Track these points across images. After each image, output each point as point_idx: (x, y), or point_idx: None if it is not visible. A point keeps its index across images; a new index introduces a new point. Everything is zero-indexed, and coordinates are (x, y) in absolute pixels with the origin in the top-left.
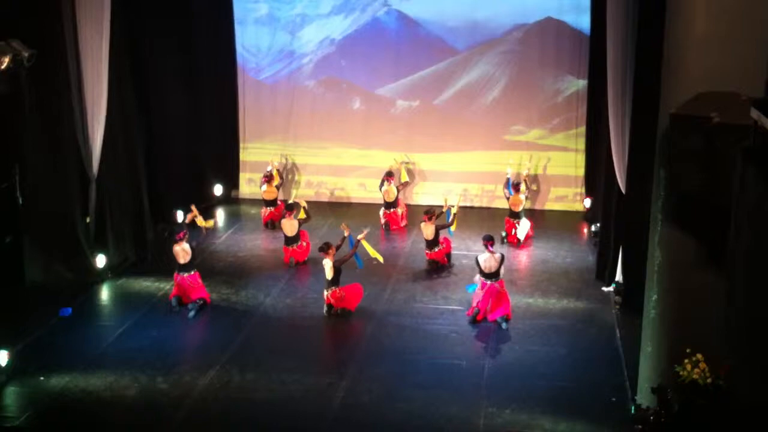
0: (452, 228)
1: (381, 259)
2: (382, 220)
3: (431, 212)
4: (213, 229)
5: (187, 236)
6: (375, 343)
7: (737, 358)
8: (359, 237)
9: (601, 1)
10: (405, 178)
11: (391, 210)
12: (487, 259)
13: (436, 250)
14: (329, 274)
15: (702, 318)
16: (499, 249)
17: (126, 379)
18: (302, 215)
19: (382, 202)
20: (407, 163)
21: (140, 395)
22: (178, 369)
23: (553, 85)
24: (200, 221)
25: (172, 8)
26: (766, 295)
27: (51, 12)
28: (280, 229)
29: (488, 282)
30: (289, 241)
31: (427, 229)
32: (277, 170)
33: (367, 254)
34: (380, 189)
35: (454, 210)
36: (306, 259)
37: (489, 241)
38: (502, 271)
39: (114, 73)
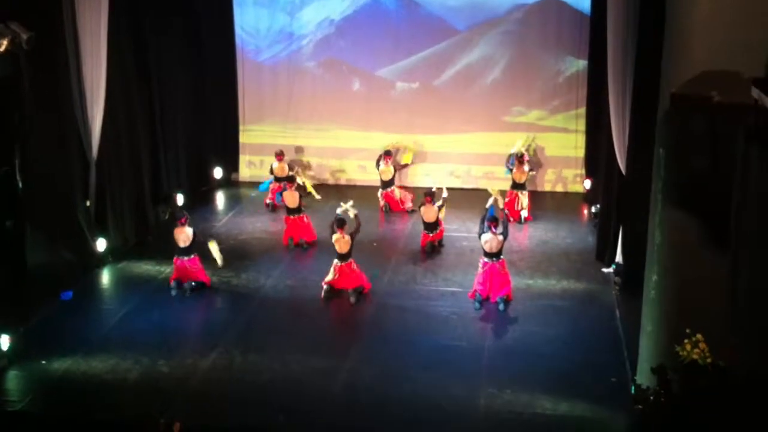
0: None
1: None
2: (381, 202)
3: (433, 194)
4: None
5: (188, 221)
6: (376, 324)
7: (738, 338)
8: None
9: None
10: (408, 160)
11: (389, 189)
12: (489, 240)
13: (436, 232)
14: (344, 248)
15: (702, 298)
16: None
17: (128, 362)
18: (305, 184)
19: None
20: (414, 148)
21: (142, 378)
22: (180, 352)
23: (553, 65)
24: (215, 253)
25: None
26: None
27: None
28: (282, 204)
29: (489, 261)
30: (291, 212)
31: (429, 212)
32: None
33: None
34: (377, 168)
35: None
36: (309, 242)
37: (493, 222)
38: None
39: (113, 56)
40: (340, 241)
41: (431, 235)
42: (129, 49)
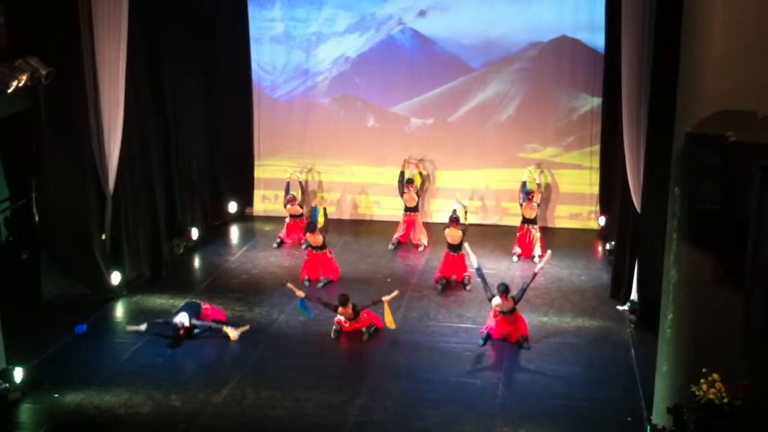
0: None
1: (393, 326)
2: (397, 234)
3: (457, 218)
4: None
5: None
6: (389, 360)
7: (755, 377)
8: (385, 298)
9: (616, 19)
10: (418, 181)
11: (412, 213)
12: (500, 304)
13: (460, 253)
14: (350, 315)
15: (718, 337)
16: (513, 264)
17: (140, 396)
18: (321, 221)
19: (395, 219)
20: (420, 164)
21: (154, 412)
22: (193, 386)
23: (567, 103)
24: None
25: (188, 27)
26: None
27: (69, 30)
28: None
29: (501, 315)
30: (315, 248)
31: (454, 233)
32: (300, 182)
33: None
34: (401, 195)
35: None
36: (330, 279)
37: (504, 294)
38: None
39: (131, 90)
40: (345, 314)
41: (455, 254)
42: (146, 85)
